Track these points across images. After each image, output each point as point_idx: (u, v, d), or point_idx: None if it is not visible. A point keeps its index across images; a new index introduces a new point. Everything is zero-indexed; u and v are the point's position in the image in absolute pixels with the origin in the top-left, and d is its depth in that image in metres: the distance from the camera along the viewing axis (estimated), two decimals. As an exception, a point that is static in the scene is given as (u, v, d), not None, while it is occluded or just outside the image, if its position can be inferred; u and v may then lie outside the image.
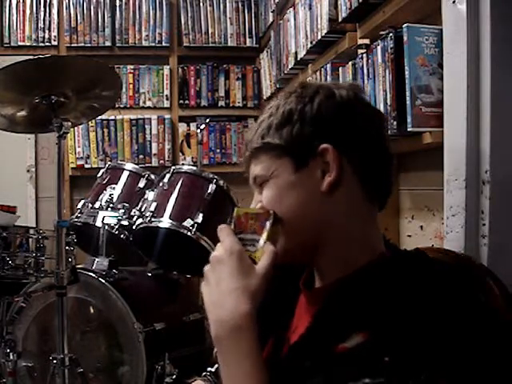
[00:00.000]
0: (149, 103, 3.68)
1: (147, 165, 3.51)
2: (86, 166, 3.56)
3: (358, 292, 0.80)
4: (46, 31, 3.59)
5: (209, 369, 1.15)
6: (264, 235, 0.85)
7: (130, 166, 2.81)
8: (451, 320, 0.78)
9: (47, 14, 3.59)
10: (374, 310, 0.76)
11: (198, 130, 3.08)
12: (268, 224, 0.85)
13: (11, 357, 2.04)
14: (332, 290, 0.84)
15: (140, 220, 2.46)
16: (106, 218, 2.51)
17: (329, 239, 0.85)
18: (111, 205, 2.60)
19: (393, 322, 0.74)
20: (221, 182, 2.52)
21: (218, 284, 0.82)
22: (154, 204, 2.46)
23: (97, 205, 2.62)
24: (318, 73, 2.34)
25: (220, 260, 0.83)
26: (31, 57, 1.77)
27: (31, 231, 2.16)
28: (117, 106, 3.59)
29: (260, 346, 0.80)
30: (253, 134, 0.90)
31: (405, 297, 0.78)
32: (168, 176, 2.52)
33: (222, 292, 0.81)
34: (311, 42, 2.37)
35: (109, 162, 3.00)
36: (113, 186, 2.69)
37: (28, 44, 3.57)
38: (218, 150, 3.74)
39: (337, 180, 0.84)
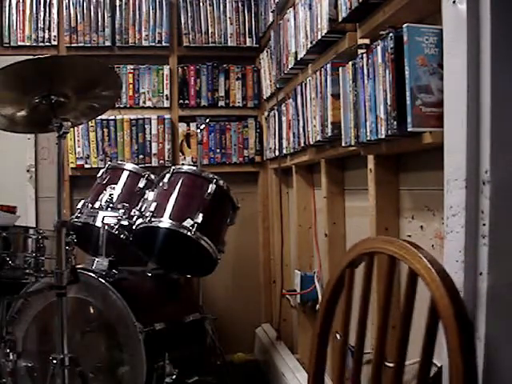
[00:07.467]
0: (149, 103, 3.67)
1: (147, 165, 3.50)
2: (86, 166, 3.56)
3: None
4: (46, 31, 3.58)
5: None
6: None
7: (129, 165, 2.82)
8: None
9: (47, 14, 3.59)
10: None
11: (198, 130, 3.08)
12: None
13: (11, 357, 2.05)
14: None
15: (140, 220, 2.46)
16: (106, 218, 2.51)
17: None
18: (111, 205, 2.60)
19: None
20: (221, 182, 2.53)
21: None
22: (154, 204, 2.46)
23: (97, 205, 2.63)
24: (318, 73, 2.34)
25: None
26: (31, 57, 1.77)
27: (31, 231, 2.16)
28: (117, 105, 3.59)
29: None
30: None
31: None
32: (168, 176, 2.52)
33: None
34: (311, 42, 2.37)
35: (109, 162, 3.00)
36: (113, 186, 2.69)
37: (28, 44, 3.56)
38: (218, 150, 3.74)
39: None
